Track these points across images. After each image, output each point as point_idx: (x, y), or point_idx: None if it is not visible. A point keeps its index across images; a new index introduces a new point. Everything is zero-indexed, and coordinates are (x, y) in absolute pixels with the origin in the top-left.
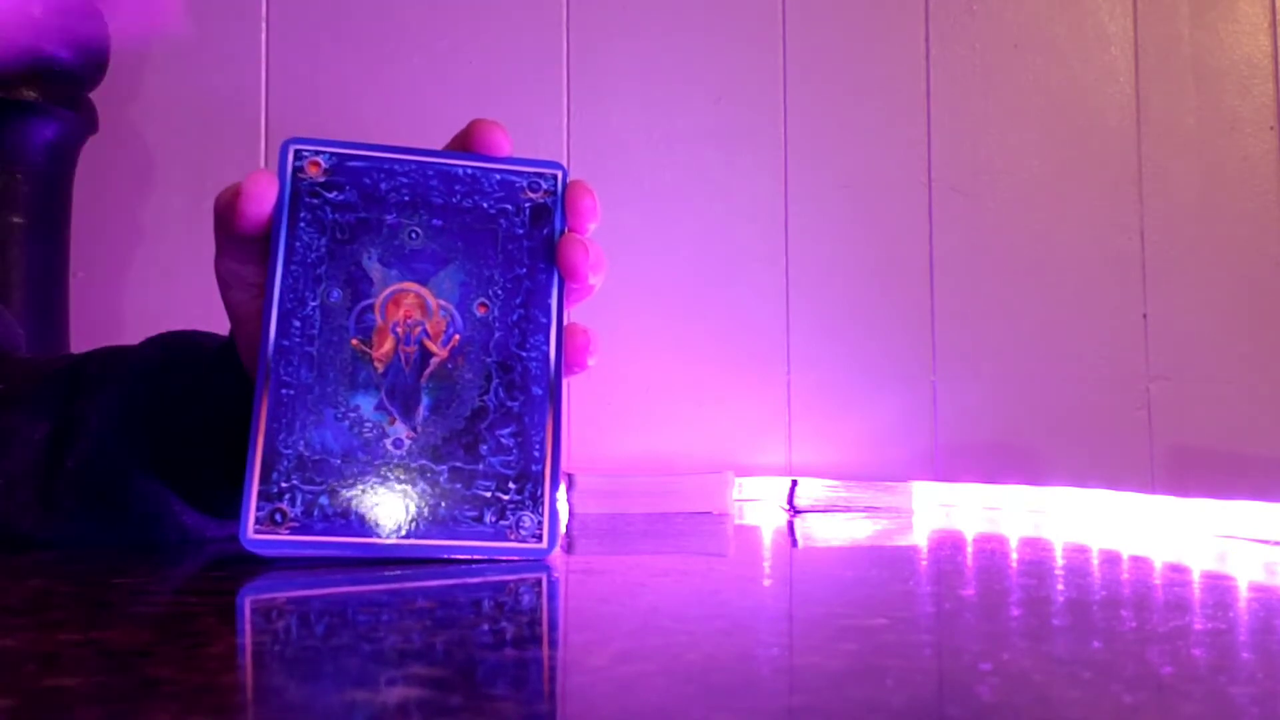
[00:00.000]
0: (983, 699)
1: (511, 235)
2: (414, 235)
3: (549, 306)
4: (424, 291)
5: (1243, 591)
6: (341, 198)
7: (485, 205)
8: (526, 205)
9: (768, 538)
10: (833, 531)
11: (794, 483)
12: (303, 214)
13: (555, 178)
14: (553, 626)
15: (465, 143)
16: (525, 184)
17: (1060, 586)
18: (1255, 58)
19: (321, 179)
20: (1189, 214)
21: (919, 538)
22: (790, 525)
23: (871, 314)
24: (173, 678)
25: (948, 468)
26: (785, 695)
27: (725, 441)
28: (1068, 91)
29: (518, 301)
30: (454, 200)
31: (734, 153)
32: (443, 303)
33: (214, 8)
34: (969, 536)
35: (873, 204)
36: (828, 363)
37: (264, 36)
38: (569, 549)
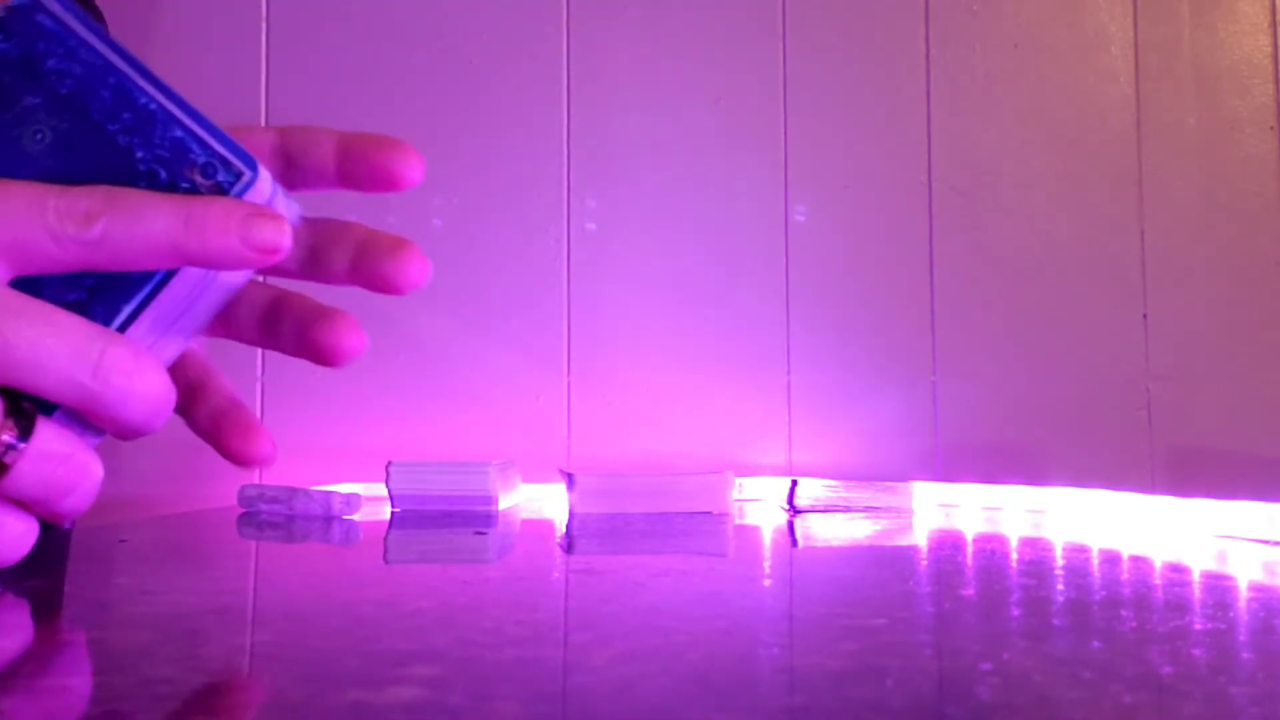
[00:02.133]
0: (983, 699)
1: None
2: (40, 136)
3: (124, 308)
4: None
5: (1243, 591)
6: (2, 47)
7: (140, 155)
8: (183, 186)
9: (768, 538)
10: (833, 531)
11: (794, 483)
12: None
13: (240, 175)
14: (553, 626)
15: (354, 145)
16: (201, 160)
17: (1060, 586)
18: (1255, 58)
19: (1, 14)
20: (1189, 214)
21: (919, 538)
22: (790, 525)
23: (871, 314)
24: (173, 678)
25: (948, 468)
26: (785, 695)
27: (725, 441)
28: (1068, 92)
29: (94, 282)
30: (110, 126)
31: (734, 153)
32: None
33: (214, 8)
34: (969, 536)
35: (873, 204)
36: (828, 363)
37: (264, 36)
38: (569, 549)
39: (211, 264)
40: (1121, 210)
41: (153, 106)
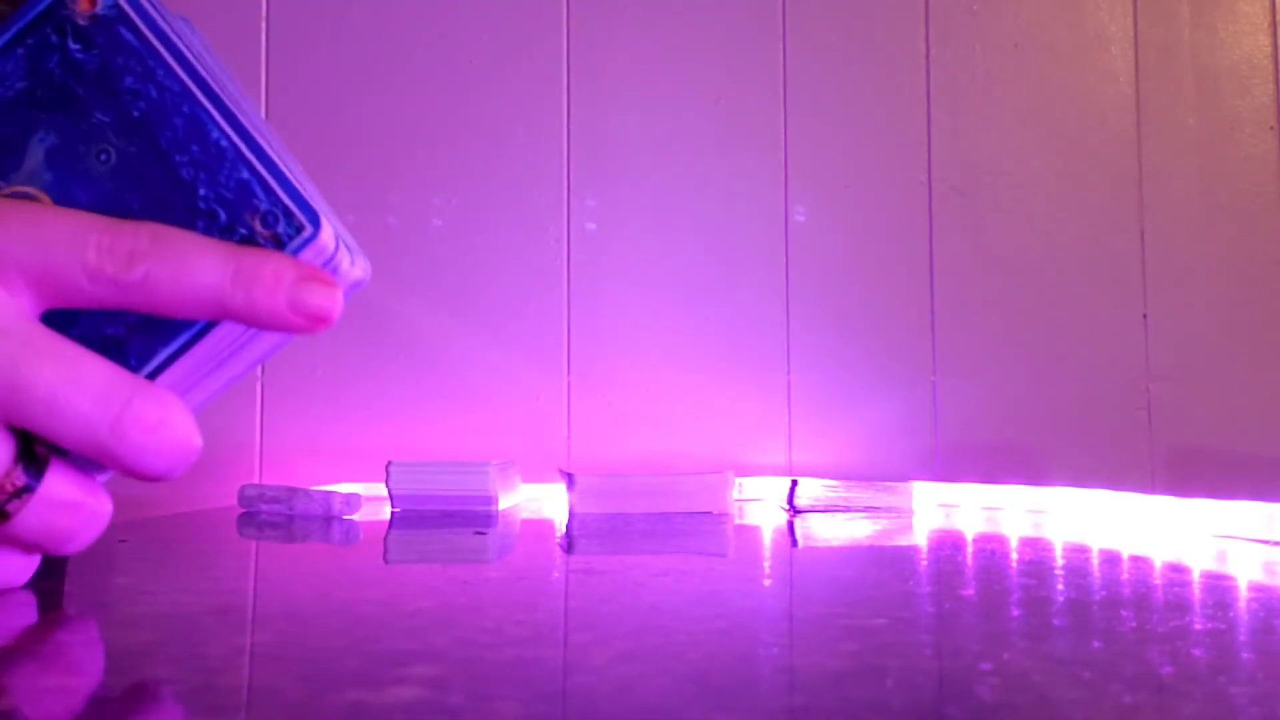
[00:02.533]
0: (983, 699)
1: None
2: (105, 157)
3: (162, 351)
4: None
5: (1243, 591)
6: (80, 58)
7: (202, 193)
8: (241, 231)
9: (768, 538)
10: (833, 531)
11: (794, 483)
12: (29, 40)
13: (301, 229)
14: (553, 626)
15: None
16: (264, 208)
17: (1060, 586)
18: (1255, 58)
19: (83, 22)
20: (1189, 214)
21: (919, 538)
22: (790, 525)
23: (871, 314)
24: (173, 678)
25: (948, 468)
26: (785, 695)
27: (725, 441)
28: (1068, 92)
29: (135, 320)
30: (177, 157)
31: (734, 153)
32: None
33: (214, 8)
34: (969, 536)
35: (873, 204)
36: (828, 363)
37: (264, 36)
38: (569, 549)
39: (255, 323)
40: (1121, 210)
41: (224, 144)
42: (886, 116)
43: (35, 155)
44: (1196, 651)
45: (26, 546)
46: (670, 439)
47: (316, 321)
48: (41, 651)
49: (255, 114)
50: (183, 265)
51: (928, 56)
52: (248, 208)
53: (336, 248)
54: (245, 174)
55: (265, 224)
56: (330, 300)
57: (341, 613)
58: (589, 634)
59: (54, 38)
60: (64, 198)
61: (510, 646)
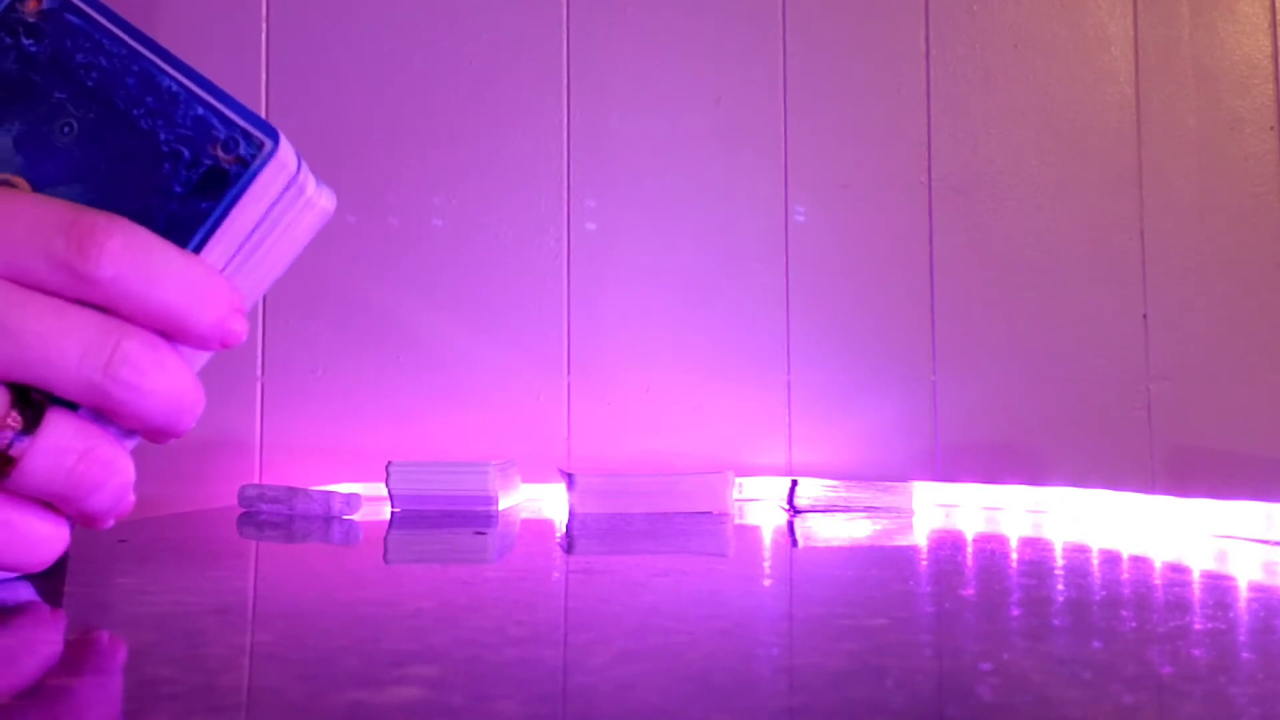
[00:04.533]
0: (983, 699)
1: (165, 188)
2: (67, 130)
3: None
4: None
5: (1243, 591)
6: (33, 50)
7: (163, 137)
8: (206, 163)
9: (768, 538)
10: (833, 531)
11: (794, 483)
12: None
13: (261, 146)
14: (553, 626)
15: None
16: (223, 135)
17: (1060, 586)
18: (1255, 58)
19: (32, 19)
20: (1189, 214)
21: (919, 538)
22: (790, 525)
23: (871, 314)
24: (173, 678)
25: (948, 468)
26: (785, 695)
27: (725, 441)
28: (1068, 91)
29: None
30: (135, 111)
31: (734, 153)
32: None
33: (214, 8)
34: (969, 536)
35: (873, 204)
36: (828, 363)
37: (264, 36)
38: (569, 549)
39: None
40: (1121, 210)
41: (175, 88)
42: (886, 116)
43: (4, 144)
44: (1196, 651)
45: (48, 500)
46: (670, 439)
47: (227, 347)
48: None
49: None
50: (150, 276)
51: (928, 56)
52: (208, 139)
53: (299, 166)
54: (199, 110)
55: (227, 149)
56: (244, 330)
57: (341, 613)
58: (589, 634)
59: (7, 39)
60: (37, 175)
61: (510, 646)
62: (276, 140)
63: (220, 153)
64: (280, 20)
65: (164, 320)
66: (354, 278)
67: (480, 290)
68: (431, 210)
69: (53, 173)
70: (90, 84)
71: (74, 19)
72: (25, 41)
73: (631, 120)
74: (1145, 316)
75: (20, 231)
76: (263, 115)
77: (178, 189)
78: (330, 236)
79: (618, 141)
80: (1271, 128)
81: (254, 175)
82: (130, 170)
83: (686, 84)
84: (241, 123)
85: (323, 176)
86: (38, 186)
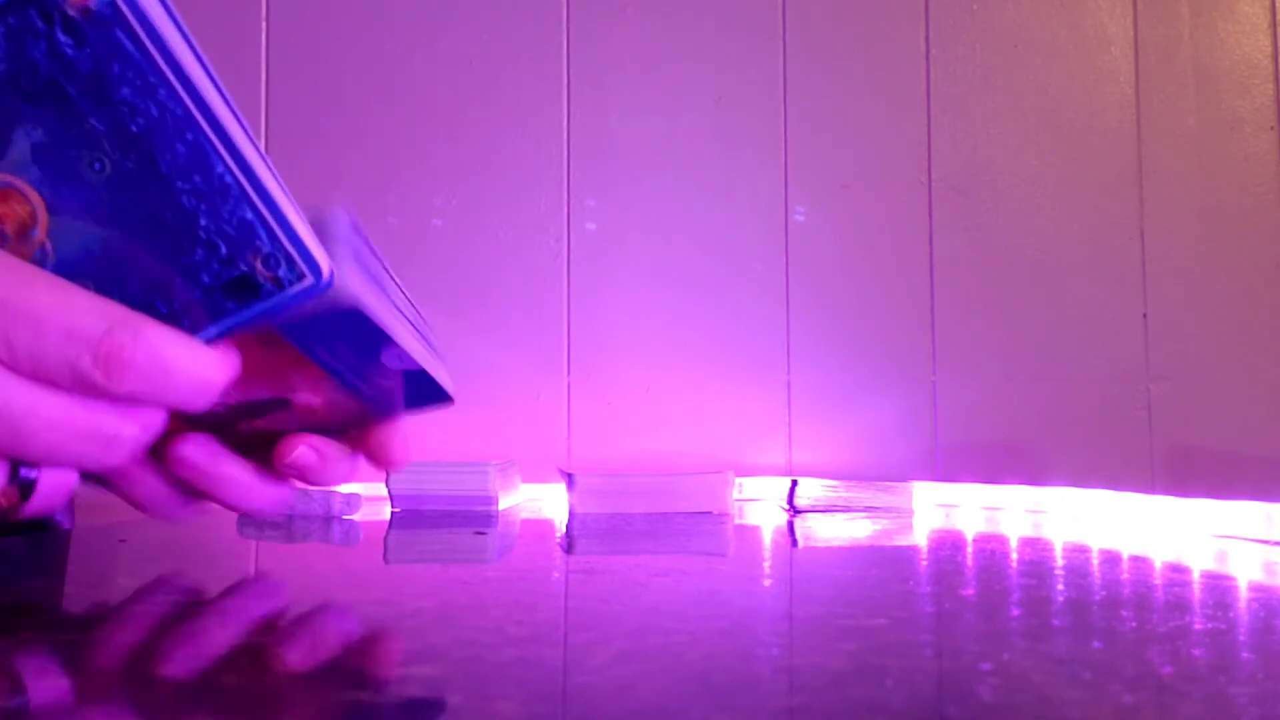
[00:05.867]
0: (983, 699)
1: (193, 274)
2: (99, 166)
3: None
4: (40, 211)
5: (1243, 591)
6: (70, 53)
7: (203, 223)
8: (241, 269)
9: (768, 538)
10: (833, 531)
11: (794, 483)
12: (9, 19)
13: (301, 277)
14: (553, 626)
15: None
16: (266, 250)
17: (1060, 586)
18: (1255, 58)
19: (74, 13)
20: (1189, 214)
21: (919, 538)
22: (790, 525)
23: (871, 314)
24: (174, 676)
25: (948, 468)
26: (785, 695)
27: (725, 441)
28: (1068, 91)
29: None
30: (178, 183)
31: (734, 153)
32: (49, 245)
33: (214, 7)
34: (969, 536)
35: (873, 204)
36: (828, 363)
37: (264, 37)
38: (569, 549)
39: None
40: (1121, 210)
41: (228, 180)
42: (886, 116)
43: (20, 147)
44: (1196, 651)
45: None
46: (670, 439)
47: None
48: (42, 651)
49: (256, 145)
50: (164, 383)
51: (928, 56)
52: (249, 248)
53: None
54: (249, 215)
55: (267, 265)
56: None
57: (341, 613)
58: (589, 634)
59: (39, 23)
60: (54, 197)
61: (510, 646)
62: (319, 279)
63: (260, 266)
64: (280, 20)
65: (161, 405)
66: None
67: (480, 290)
68: (431, 210)
69: (73, 204)
70: (134, 129)
71: (126, 42)
72: (61, 36)
73: (631, 120)
74: (1145, 316)
75: (50, 345)
76: (262, 115)
77: (205, 279)
78: None
79: (618, 141)
80: (1271, 128)
81: (288, 301)
82: (160, 241)
83: (686, 84)
84: (289, 246)
85: (323, 176)
86: (52, 210)
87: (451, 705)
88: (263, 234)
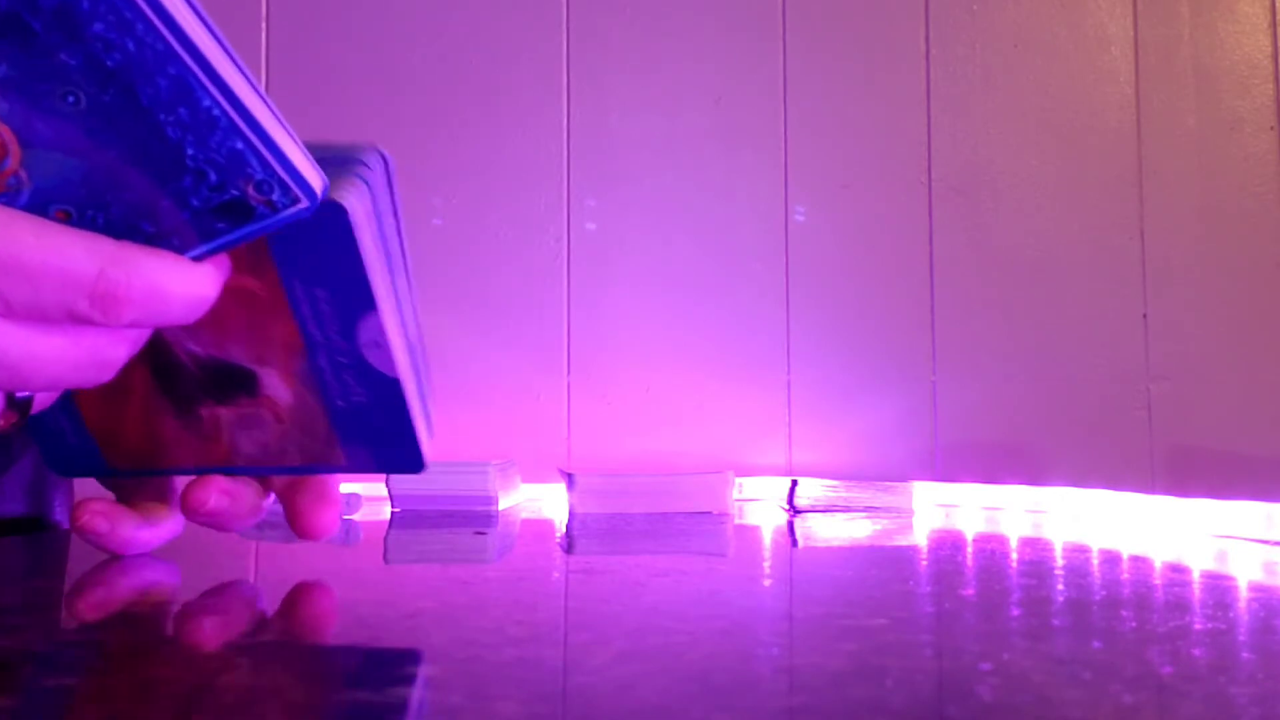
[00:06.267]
0: (983, 699)
1: (181, 199)
2: (73, 99)
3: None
4: (13, 145)
5: (1243, 591)
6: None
7: (190, 152)
8: (232, 193)
9: (768, 538)
10: (833, 531)
11: (794, 483)
12: None
13: (296, 201)
14: (553, 626)
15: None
16: (258, 176)
17: (1060, 586)
18: (1255, 58)
19: None
20: (1189, 214)
21: (919, 538)
22: (790, 525)
23: (871, 314)
24: (173, 677)
25: (948, 468)
26: (785, 695)
27: (725, 441)
28: (1068, 91)
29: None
30: (161, 115)
31: (734, 153)
32: (24, 174)
33: (214, 7)
34: (969, 536)
35: (873, 204)
36: (828, 363)
37: (264, 37)
38: (569, 549)
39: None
40: (1121, 210)
41: (215, 112)
42: (886, 116)
43: None
44: (1196, 651)
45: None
46: (670, 439)
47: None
48: (41, 652)
49: (248, 75)
50: (159, 305)
51: (927, 56)
52: (240, 175)
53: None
54: (239, 144)
55: (260, 191)
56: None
57: (341, 613)
58: (589, 634)
59: None
60: (26, 130)
61: (510, 646)
62: (315, 202)
63: (251, 190)
64: (280, 20)
65: (155, 326)
66: None
67: (480, 290)
68: (431, 210)
69: (46, 135)
70: (110, 64)
71: None
72: None
73: (631, 120)
74: (1145, 316)
75: (44, 293)
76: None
77: (195, 203)
78: None
79: (618, 141)
80: (1271, 128)
81: (280, 222)
82: (146, 169)
83: (686, 84)
84: (281, 173)
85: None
86: (25, 142)
87: (451, 705)
88: (254, 162)
